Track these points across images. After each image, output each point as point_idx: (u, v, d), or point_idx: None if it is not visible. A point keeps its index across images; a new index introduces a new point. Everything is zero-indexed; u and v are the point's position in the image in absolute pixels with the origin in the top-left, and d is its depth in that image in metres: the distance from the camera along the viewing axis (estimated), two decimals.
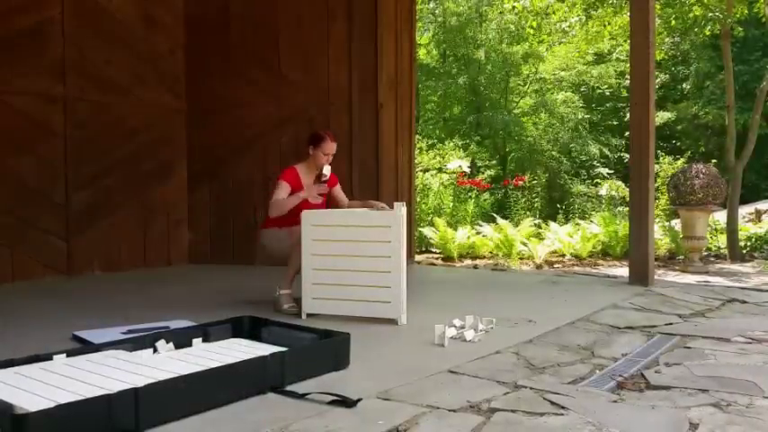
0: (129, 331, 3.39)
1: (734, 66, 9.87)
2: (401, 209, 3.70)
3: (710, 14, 8.81)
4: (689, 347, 3.28)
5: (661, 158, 12.26)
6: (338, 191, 4.49)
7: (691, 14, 9.37)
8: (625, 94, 16.20)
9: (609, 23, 10.22)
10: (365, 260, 3.75)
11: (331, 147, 4.27)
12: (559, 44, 15.21)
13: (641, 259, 5.05)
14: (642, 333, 3.59)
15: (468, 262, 8.07)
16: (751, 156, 8.97)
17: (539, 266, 7.66)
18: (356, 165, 6.13)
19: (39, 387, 2.26)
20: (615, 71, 16.38)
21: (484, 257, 8.33)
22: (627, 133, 11.95)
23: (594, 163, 16.12)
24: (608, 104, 18.10)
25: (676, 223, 8.43)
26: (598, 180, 14.33)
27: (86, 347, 2.88)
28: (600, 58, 16.74)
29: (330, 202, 4.50)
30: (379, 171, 6.14)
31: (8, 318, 3.96)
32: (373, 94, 6.14)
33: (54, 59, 5.58)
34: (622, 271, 6.28)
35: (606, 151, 16.20)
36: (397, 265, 3.68)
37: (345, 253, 3.79)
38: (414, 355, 3.08)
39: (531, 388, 2.58)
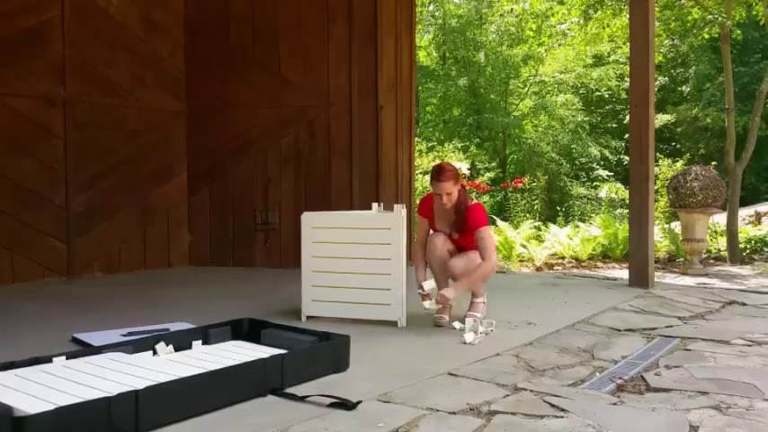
0: (129, 333, 3.38)
1: (733, 68, 9.88)
2: (401, 211, 3.70)
3: (709, 17, 8.82)
4: (689, 350, 3.28)
5: (661, 161, 12.26)
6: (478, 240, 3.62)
7: (690, 17, 9.40)
8: (624, 96, 16.22)
9: (608, 26, 10.23)
10: (365, 262, 3.74)
11: (438, 187, 3.54)
12: (559, 46, 15.23)
13: (641, 261, 5.04)
14: (642, 335, 3.59)
15: None
16: (751, 158, 8.97)
17: (538, 269, 7.66)
18: (356, 166, 6.13)
19: (38, 389, 2.26)
20: (615, 73, 16.40)
21: None
22: (627, 135, 11.96)
23: (594, 165, 16.15)
24: (607, 107, 18.13)
25: (676, 225, 8.43)
26: (598, 182, 14.35)
27: (86, 350, 2.87)
28: (599, 61, 16.77)
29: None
30: (380, 173, 6.14)
31: (8, 320, 3.95)
32: (373, 96, 6.14)
33: (54, 61, 5.58)
34: (622, 273, 6.27)
35: (606, 153, 16.22)
36: (398, 267, 3.68)
37: (345, 255, 3.79)
38: (414, 357, 3.08)
39: (531, 390, 2.58)
